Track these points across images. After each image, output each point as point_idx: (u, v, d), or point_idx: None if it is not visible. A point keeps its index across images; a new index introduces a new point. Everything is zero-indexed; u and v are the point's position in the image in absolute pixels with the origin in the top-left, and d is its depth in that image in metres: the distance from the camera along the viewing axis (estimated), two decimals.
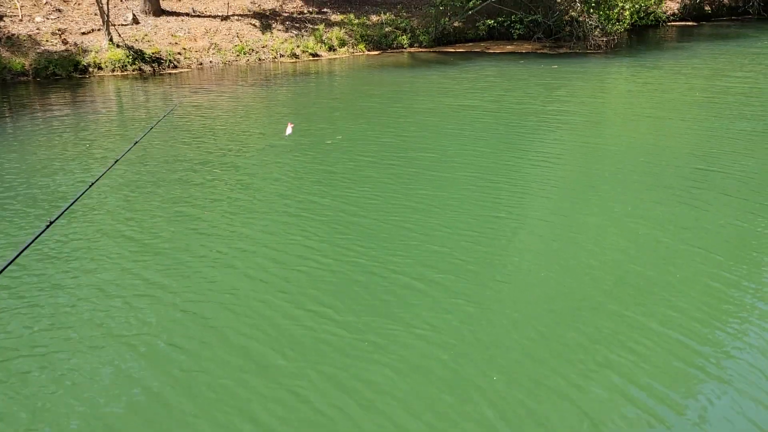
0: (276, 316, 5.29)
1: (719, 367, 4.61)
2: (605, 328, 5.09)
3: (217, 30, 19.94)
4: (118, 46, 17.68)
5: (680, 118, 11.48)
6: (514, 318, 5.24)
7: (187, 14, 20.38)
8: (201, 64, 18.67)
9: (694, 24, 25.68)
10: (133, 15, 19.30)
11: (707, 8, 27.08)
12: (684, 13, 25.93)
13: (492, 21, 21.15)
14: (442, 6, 21.16)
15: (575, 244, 6.59)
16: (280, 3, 21.82)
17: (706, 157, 9.12)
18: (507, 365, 4.66)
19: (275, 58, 19.66)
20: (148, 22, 19.47)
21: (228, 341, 4.95)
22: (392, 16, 21.77)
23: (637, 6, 20.73)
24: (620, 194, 7.84)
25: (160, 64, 17.98)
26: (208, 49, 19.16)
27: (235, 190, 8.25)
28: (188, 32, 19.52)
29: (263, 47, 19.79)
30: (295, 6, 21.85)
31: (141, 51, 17.92)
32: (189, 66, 18.44)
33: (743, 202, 7.48)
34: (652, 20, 22.67)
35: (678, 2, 25.90)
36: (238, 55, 19.31)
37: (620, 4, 20.22)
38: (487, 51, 20.58)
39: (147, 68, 17.70)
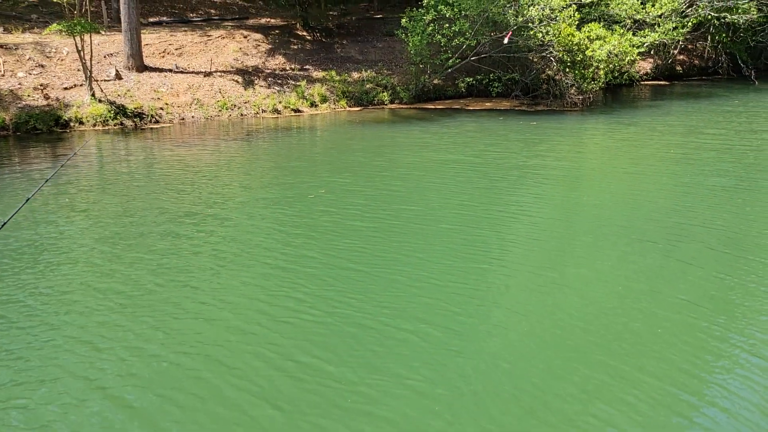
0: (267, 368, 5.32)
1: (705, 416, 4.72)
2: (595, 379, 5.19)
3: (199, 86, 20.27)
4: (100, 101, 17.87)
5: (658, 174, 11.85)
6: (506, 369, 5.32)
7: (170, 70, 20.72)
8: (183, 118, 18.89)
9: (667, 83, 26.66)
10: (116, 71, 19.58)
11: (679, 68, 28.18)
12: (656, 73, 26.94)
13: (471, 79, 21.77)
14: (422, 64, 21.77)
15: (562, 295, 6.73)
16: (263, 60, 22.30)
17: (686, 211, 9.41)
18: (501, 417, 4.72)
19: (257, 113, 19.97)
20: (131, 77, 19.75)
21: (219, 393, 4.96)
22: (373, 74, 22.33)
23: (611, 66, 21.49)
24: (604, 247, 8.05)
25: (141, 118, 18.17)
26: (191, 104, 19.43)
27: (222, 242, 8.31)
28: (171, 88, 19.81)
29: (245, 103, 20.11)
30: (277, 63, 22.34)
31: (123, 106, 18.11)
32: (171, 121, 18.65)
33: (724, 255, 7.72)
34: (626, 79, 23.48)
35: (651, 62, 26.92)
36: (220, 111, 19.59)
37: (595, 64, 20.95)
38: (466, 108, 21.11)
39: (129, 123, 17.87)
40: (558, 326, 6.06)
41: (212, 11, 26.18)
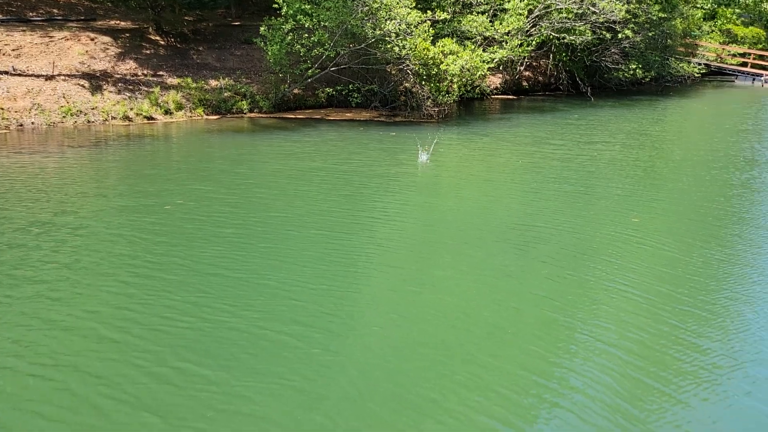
0: (140, 376, 5.22)
1: (565, 397, 5.25)
2: (467, 372, 5.58)
3: (40, 90, 19.06)
4: None
5: (510, 181, 12.75)
6: (383, 366, 5.59)
7: (6, 73, 19.31)
8: (21, 125, 17.68)
9: (515, 97, 28.54)
10: None
11: (525, 84, 30.26)
12: (505, 88, 28.78)
13: (331, 89, 22.12)
14: (281, 73, 21.82)
15: (431, 295, 7.14)
16: (112, 64, 21.35)
17: (537, 215, 10.23)
18: (382, 412, 4.96)
19: (106, 120, 19.09)
20: None
21: (92, 404, 4.82)
22: (231, 81, 22.07)
23: (464, 80, 22.70)
24: (466, 249, 8.58)
25: None
26: (30, 109, 18.22)
27: (79, 251, 7.96)
28: (6, 91, 18.48)
29: (93, 109, 19.17)
30: (128, 68, 21.47)
31: None
32: (7, 127, 17.40)
33: (573, 254, 8.50)
34: (477, 93, 24.84)
35: (500, 77, 28.71)
36: (64, 117, 18.53)
37: (449, 78, 22.05)
38: (327, 118, 21.42)
39: None
40: (430, 324, 6.42)
41: (55, 11, 24.68)
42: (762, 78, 37.20)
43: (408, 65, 21.80)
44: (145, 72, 21.58)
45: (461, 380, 5.38)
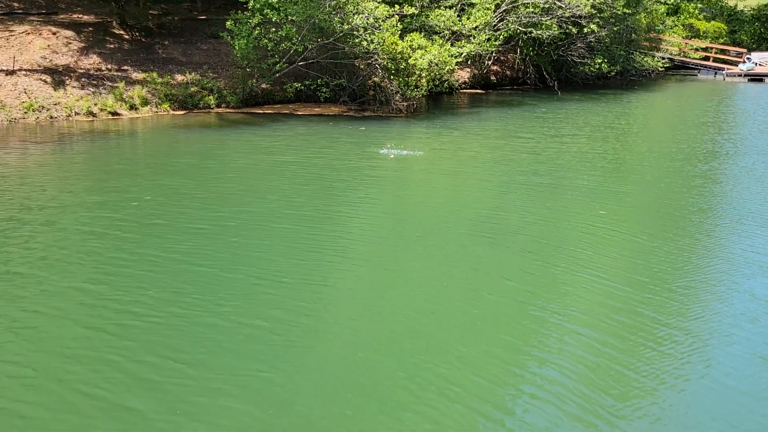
0: (115, 372, 5.24)
1: (540, 387, 5.41)
2: (445, 363, 5.70)
3: (0, 85, 18.73)
4: None
5: (480, 174, 12.92)
6: (360, 359, 5.68)
7: None
8: None
9: (483, 92, 28.80)
10: None
11: (493, 78, 30.54)
12: (473, 82, 29.01)
13: (299, 84, 22.09)
14: (249, 68, 21.73)
15: (405, 287, 7.26)
16: (75, 59, 21.04)
17: (508, 207, 10.41)
18: (360, 404, 5.06)
19: (69, 116, 18.83)
20: None
21: (68, 402, 4.82)
22: (198, 76, 21.91)
23: (432, 74, 22.84)
24: (438, 241, 8.71)
25: None
26: None
27: (47, 247, 7.90)
28: None
29: (55, 104, 18.89)
30: (92, 62, 21.18)
31: None
32: None
33: (543, 244, 8.69)
34: (446, 87, 25.03)
35: (468, 72, 28.93)
36: (26, 113, 18.25)
37: (417, 72, 22.18)
38: (295, 113, 21.39)
39: None
40: (404, 317, 6.53)
41: (15, 4, 24.22)
42: (723, 72, 38.06)
43: (376, 60, 21.87)
44: (109, 67, 21.32)
45: (438, 372, 5.49)
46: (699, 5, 46.08)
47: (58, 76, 20.07)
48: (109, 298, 6.55)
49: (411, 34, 22.85)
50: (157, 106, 20.40)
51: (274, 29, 20.86)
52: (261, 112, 21.37)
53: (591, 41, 29.68)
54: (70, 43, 21.81)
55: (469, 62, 28.11)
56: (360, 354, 5.71)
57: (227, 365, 5.40)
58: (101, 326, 5.96)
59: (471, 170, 13.28)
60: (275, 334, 5.98)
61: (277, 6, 20.71)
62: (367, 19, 21.08)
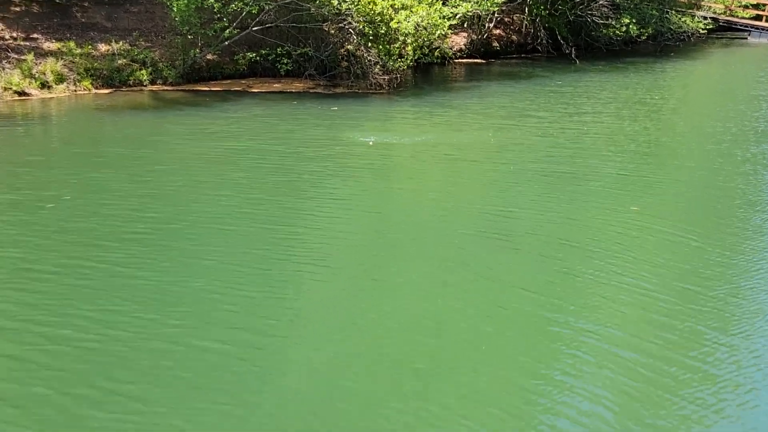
0: (60, 397, 5.38)
1: (565, 413, 5.60)
2: (429, 388, 5.88)
3: None
4: None
5: (482, 162, 13.16)
6: (326, 385, 5.84)
7: None
8: None
9: (483, 61, 29.08)
10: None
11: (495, 44, 30.83)
12: (471, 50, 29.24)
13: (254, 54, 22.17)
14: (191, 35, 21.76)
15: (386, 295, 7.44)
16: None
17: (517, 201, 10.64)
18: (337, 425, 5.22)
19: None
20: None
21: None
22: (127, 46, 21.93)
23: (420, 40, 23.01)
24: (429, 243, 8.89)
25: None
26: None
27: None
28: None
29: None
30: None
31: None
32: None
33: (563, 247, 8.90)
34: (437, 57, 25.24)
35: (464, 37, 29.18)
36: None
37: (402, 38, 22.32)
38: (250, 90, 21.50)
39: None
40: (390, 334, 6.70)
41: None
42: None
43: (350, 23, 22.00)
44: (14, 35, 21.28)
45: (442, 403, 5.64)
46: None
47: None
48: (32, 320, 6.65)
49: None
50: (75, 84, 20.40)
51: None
52: (206, 89, 21.45)
53: None
54: None
55: (465, 25, 28.35)
56: (340, 383, 5.86)
57: (178, 397, 5.54)
58: (24, 354, 6.06)
59: (471, 157, 13.50)
60: (236, 358, 6.11)
61: None
62: None
